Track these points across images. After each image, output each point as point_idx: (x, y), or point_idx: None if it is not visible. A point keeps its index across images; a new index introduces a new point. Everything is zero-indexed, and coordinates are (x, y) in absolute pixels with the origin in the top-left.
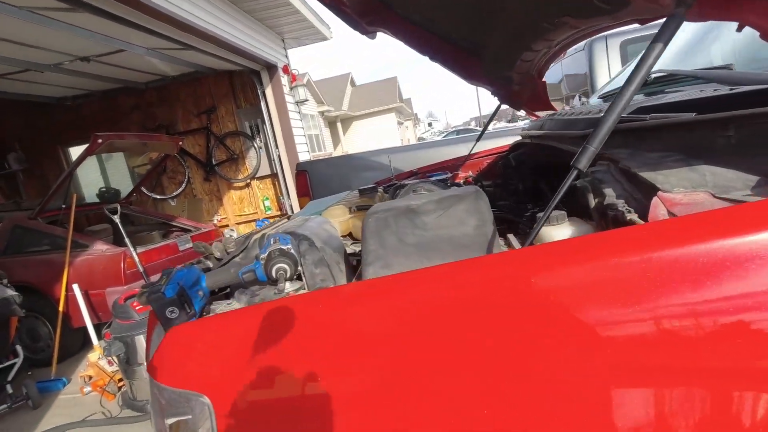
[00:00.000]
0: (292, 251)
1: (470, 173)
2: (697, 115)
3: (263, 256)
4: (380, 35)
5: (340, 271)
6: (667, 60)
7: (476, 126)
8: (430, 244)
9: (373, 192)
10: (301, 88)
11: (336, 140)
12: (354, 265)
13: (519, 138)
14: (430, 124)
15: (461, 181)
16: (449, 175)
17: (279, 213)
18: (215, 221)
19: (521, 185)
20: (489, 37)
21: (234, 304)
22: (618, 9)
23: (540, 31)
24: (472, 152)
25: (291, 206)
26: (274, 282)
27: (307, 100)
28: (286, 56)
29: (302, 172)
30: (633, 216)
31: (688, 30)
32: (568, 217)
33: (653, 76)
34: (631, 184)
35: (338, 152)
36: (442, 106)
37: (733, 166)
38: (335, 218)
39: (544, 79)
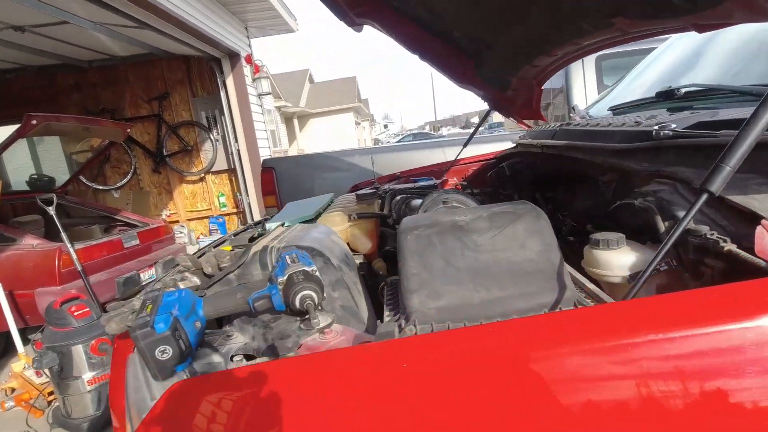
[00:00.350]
0: (317, 274)
1: (455, 179)
2: None
3: (281, 279)
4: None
5: (358, 293)
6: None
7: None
8: (485, 269)
9: (372, 198)
10: (264, 80)
11: (292, 137)
12: (368, 284)
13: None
14: (385, 126)
15: (451, 188)
16: (437, 181)
17: (235, 210)
18: (164, 216)
19: (516, 195)
20: (502, 37)
21: (237, 338)
22: (701, 8)
23: (571, 33)
24: (458, 158)
25: (249, 204)
26: (296, 313)
27: (270, 93)
28: (249, 45)
29: (269, 169)
30: (731, 247)
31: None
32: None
33: (683, 90)
34: (712, 209)
35: (294, 149)
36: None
37: None
38: (334, 227)
39: (542, 87)
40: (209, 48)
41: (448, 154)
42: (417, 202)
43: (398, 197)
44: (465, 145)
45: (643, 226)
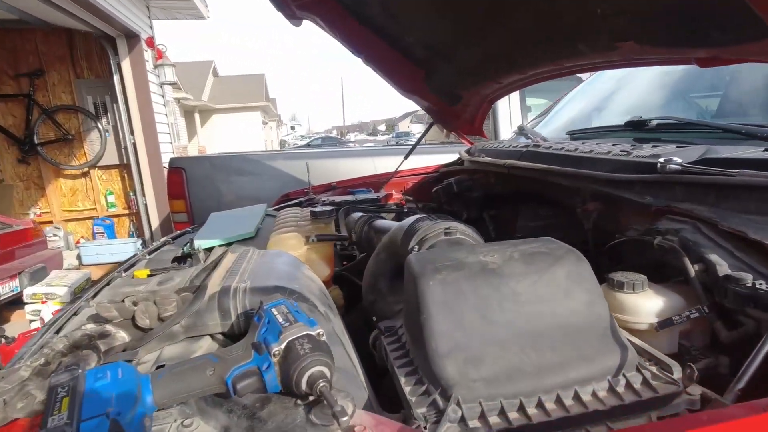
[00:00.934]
0: (324, 338)
1: (395, 192)
2: None
3: (277, 349)
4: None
5: (349, 345)
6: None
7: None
8: (530, 325)
9: (330, 216)
10: (169, 67)
11: (192, 131)
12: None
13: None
14: (293, 128)
15: (394, 204)
16: (380, 195)
17: (127, 212)
18: (32, 216)
19: (466, 214)
20: (468, 51)
21: (200, 429)
22: (740, 42)
23: (561, 54)
24: (398, 170)
25: (146, 205)
26: (300, 395)
27: (175, 83)
28: (151, 27)
29: (178, 169)
30: None
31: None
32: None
33: (656, 123)
34: (746, 254)
35: (194, 146)
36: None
37: None
38: (289, 251)
39: (491, 104)
40: (100, 23)
41: (379, 165)
42: (384, 223)
43: (357, 216)
44: (406, 157)
45: (651, 265)
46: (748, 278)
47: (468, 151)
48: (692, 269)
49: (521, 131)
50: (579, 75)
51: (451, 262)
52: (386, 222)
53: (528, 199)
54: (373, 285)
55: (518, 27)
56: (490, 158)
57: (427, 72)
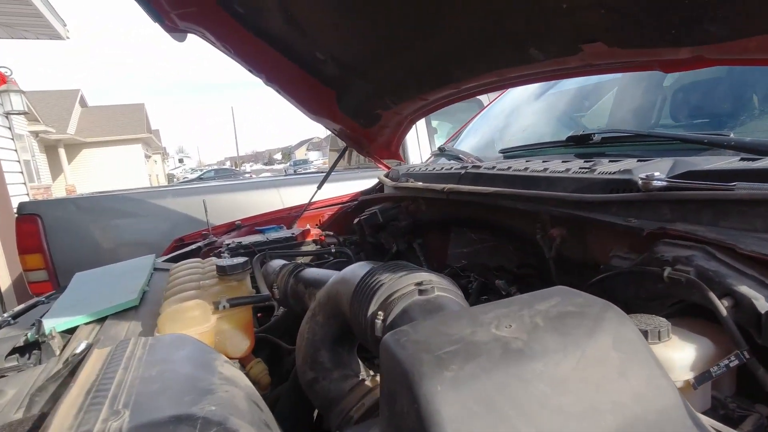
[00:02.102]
0: None
1: (309, 227)
2: None
3: None
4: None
5: None
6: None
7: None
8: (591, 429)
9: (244, 269)
10: (16, 94)
11: (57, 169)
12: None
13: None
14: (181, 161)
15: (313, 240)
16: (295, 232)
17: None
18: None
19: (395, 246)
20: (387, 64)
21: None
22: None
23: (509, 60)
24: (311, 202)
25: None
26: None
27: (26, 112)
28: None
29: (31, 216)
30: None
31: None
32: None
33: (600, 136)
34: None
35: (60, 185)
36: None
37: None
38: (194, 327)
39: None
40: None
41: (285, 196)
42: (316, 274)
43: (277, 264)
44: (319, 187)
45: (648, 300)
46: None
47: (389, 176)
48: (722, 306)
49: (443, 152)
50: (479, 97)
51: (456, 344)
52: (318, 272)
53: (458, 223)
54: (311, 358)
55: (455, 34)
56: (422, 183)
57: (339, 92)
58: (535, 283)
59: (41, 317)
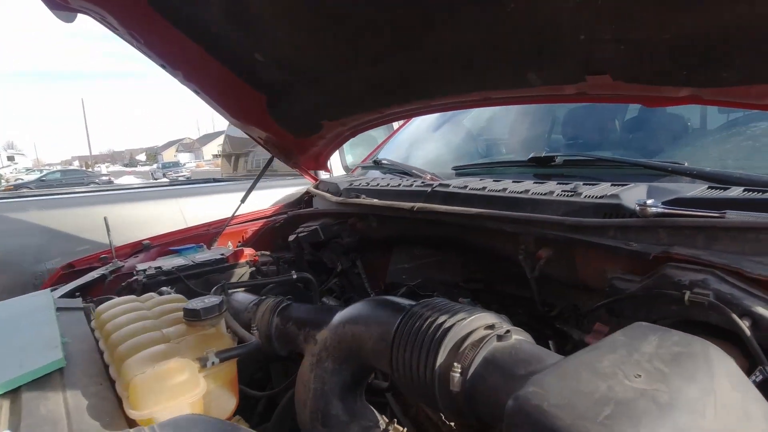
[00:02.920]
0: None
1: (229, 245)
2: None
3: None
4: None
5: None
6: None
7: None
8: None
9: (221, 312)
10: None
11: None
12: None
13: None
14: (11, 158)
15: (246, 261)
16: (224, 252)
17: None
18: None
19: (340, 265)
20: (353, 75)
21: None
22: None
23: (497, 83)
24: (234, 216)
25: None
26: None
27: None
28: None
29: None
30: None
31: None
32: None
33: (563, 159)
34: None
35: None
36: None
37: None
38: (183, 396)
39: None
40: None
41: (186, 207)
42: (307, 310)
43: (248, 300)
44: (243, 200)
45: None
46: None
47: (328, 191)
48: (745, 326)
49: (378, 164)
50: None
51: (607, 406)
52: (310, 309)
53: (416, 242)
54: (322, 412)
55: (440, 51)
56: (378, 200)
57: (273, 98)
58: (485, 296)
59: None
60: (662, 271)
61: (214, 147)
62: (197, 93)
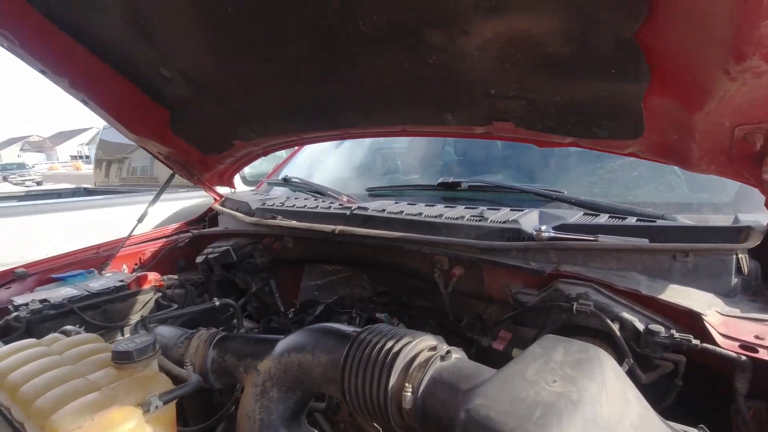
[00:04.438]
0: None
1: (125, 269)
2: (652, 243)
3: None
4: None
5: None
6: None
7: None
8: None
9: (155, 353)
10: None
11: None
12: None
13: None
14: None
15: (152, 286)
16: (125, 278)
17: None
18: None
19: (254, 285)
20: (273, 96)
21: None
22: (607, 136)
23: (417, 118)
24: (129, 236)
25: None
26: None
27: None
28: None
29: None
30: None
31: None
32: None
33: (467, 184)
34: (643, 308)
35: None
36: None
37: (696, 286)
38: None
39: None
40: None
41: (60, 224)
42: (245, 341)
43: (171, 333)
44: (140, 219)
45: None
46: (662, 329)
47: (239, 210)
48: (615, 328)
49: (287, 182)
50: None
51: (538, 408)
52: (247, 339)
53: (314, 259)
54: None
55: (365, 83)
56: (296, 222)
57: (177, 114)
58: (396, 309)
59: None
60: (555, 286)
61: (73, 147)
62: (85, 103)
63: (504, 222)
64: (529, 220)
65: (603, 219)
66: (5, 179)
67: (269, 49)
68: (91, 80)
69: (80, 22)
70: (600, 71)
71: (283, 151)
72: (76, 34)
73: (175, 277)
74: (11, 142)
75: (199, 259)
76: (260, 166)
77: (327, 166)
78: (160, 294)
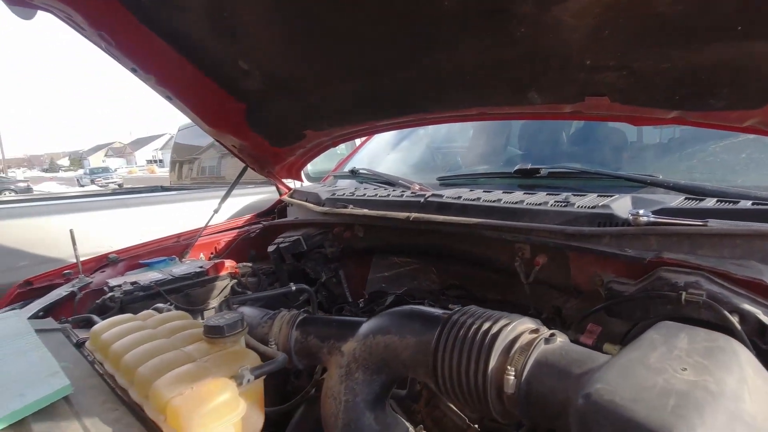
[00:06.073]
0: None
1: (202, 257)
2: None
3: None
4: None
5: None
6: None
7: None
8: None
9: (244, 328)
10: None
11: None
12: None
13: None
14: None
15: (228, 273)
16: (203, 265)
17: None
18: None
19: (324, 275)
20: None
21: None
22: (724, 107)
23: (499, 100)
24: (207, 225)
25: None
26: None
27: None
28: None
29: None
30: None
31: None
32: None
33: (547, 171)
34: (765, 298)
35: None
36: None
37: None
38: (227, 417)
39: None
40: None
41: (88, 223)
42: (328, 322)
43: (260, 315)
44: (216, 211)
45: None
46: None
47: (308, 200)
48: (735, 321)
49: (354, 174)
50: None
51: (671, 397)
52: (330, 321)
53: (384, 249)
54: (355, 424)
55: (440, 68)
56: (368, 210)
57: (253, 107)
58: (468, 303)
59: None
60: (657, 275)
61: (149, 152)
62: (169, 99)
63: (593, 207)
64: (622, 204)
65: (710, 203)
66: (93, 182)
67: (345, 38)
68: (174, 77)
69: (167, 21)
70: (721, 30)
71: (343, 148)
72: (162, 33)
73: (249, 264)
74: (97, 148)
75: (271, 248)
76: (321, 164)
77: (386, 166)
78: (235, 281)
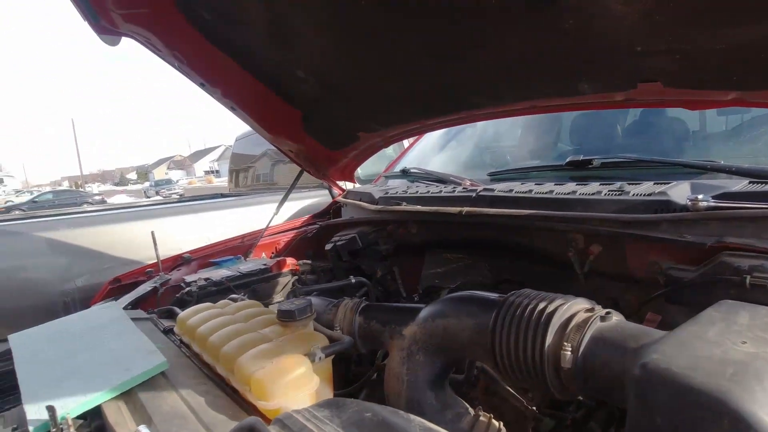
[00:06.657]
0: None
1: (264, 256)
2: None
3: None
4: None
5: None
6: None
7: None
8: None
9: (312, 313)
10: None
11: None
12: None
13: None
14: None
15: (289, 270)
16: (267, 263)
17: None
18: None
19: (379, 271)
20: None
21: None
22: None
23: (548, 91)
24: (267, 227)
25: None
26: None
27: None
28: None
29: None
30: None
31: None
32: None
33: (600, 161)
34: None
35: None
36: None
37: None
38: (304, 388)
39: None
40: None
41: (159, 228)
42: (389, 308)
43: (325, 302)
44: (276, 213)
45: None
46: None
47: (362, 200)
48: None
49: (406, 173)
50: None
51: (730, 366)
52: (390, 307)
53: (437, 245)
54: (417, 402)
55: (485, 63)
56: (422, 206)
57: (308, 112)
58: None
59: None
60: (720, 259)
61: (206, 163)
62: (233, 109)
63: (649, 195)
64: (680, 190)
65: None
66: (157, 193)
67: (392, 40)
68: (237, 89)
69: (230, 37)
70: None
71: (392, 150)
72: (226, 49)
73: (309, 262)
74: (161, 162)
75: (328, 246)
76: (371, 167)
77: (436, 166)
78: (296, 277)
